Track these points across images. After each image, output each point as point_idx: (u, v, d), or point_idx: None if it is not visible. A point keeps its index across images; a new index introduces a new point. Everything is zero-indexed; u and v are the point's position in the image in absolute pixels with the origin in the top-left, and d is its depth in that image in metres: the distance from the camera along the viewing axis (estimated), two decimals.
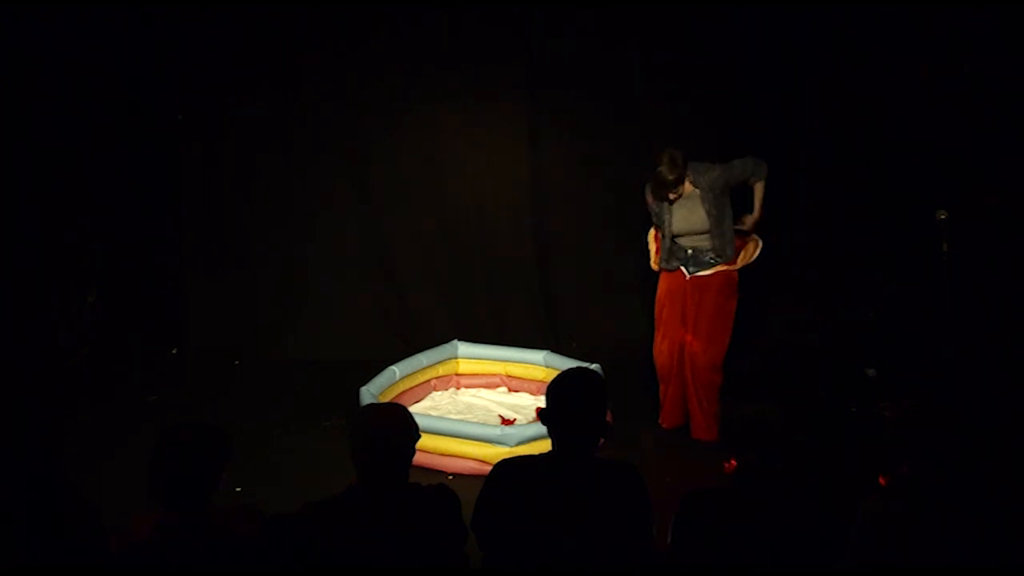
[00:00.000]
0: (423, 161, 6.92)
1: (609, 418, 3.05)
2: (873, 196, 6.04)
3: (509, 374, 6.12)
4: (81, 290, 6.76)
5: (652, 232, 5.56)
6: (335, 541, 2.78)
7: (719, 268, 5.34)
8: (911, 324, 5.67)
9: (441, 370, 6.08)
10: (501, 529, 2.94)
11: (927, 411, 2.83)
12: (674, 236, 5.37)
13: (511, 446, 4.85)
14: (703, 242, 5.33)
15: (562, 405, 2.96)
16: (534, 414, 5.45)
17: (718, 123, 6.69)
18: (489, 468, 3.09)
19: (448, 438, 4.97)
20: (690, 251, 5.38)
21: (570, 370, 3.13)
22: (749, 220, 5.41)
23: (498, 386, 6.14)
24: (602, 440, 3.09)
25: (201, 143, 6.96)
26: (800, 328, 6.43)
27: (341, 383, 5.92)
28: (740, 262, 5.39)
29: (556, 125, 6.87)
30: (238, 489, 4.61)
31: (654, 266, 5.54)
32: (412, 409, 4.24)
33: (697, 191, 5.25)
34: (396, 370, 5.72)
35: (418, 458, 3.22)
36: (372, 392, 5.39)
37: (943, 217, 4.77)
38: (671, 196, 5.26)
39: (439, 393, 6.07)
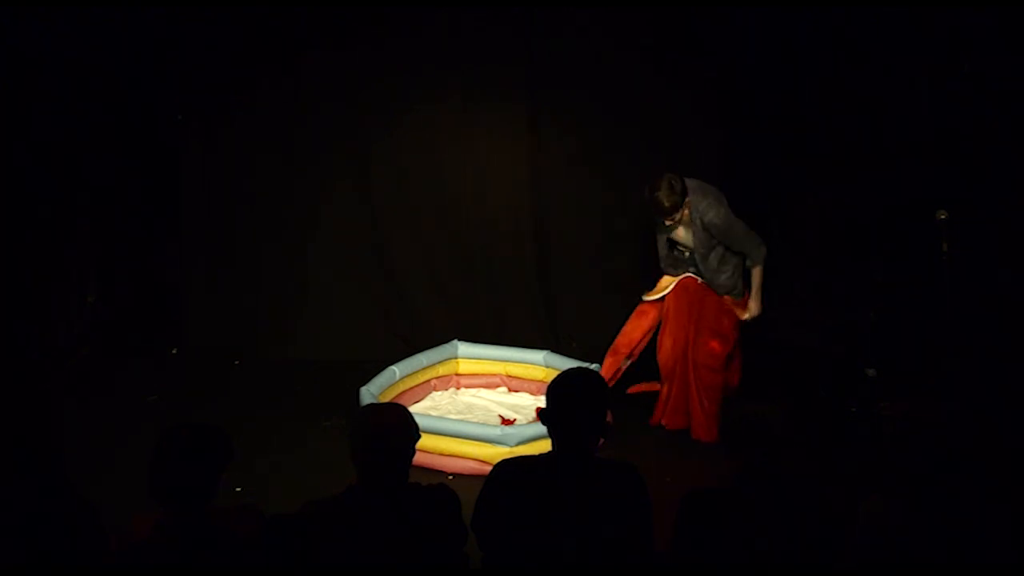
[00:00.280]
0: (423, 161, 6.91)
1: (609, 418, 3.05)
2: (873, 196, 6.05)
3: (509, 374, 6.11)
4: (81, 290, 6.75)
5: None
6: (335, 541, 2.78)
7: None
8: (911, 324, 5.68)
9: (441, 370, 6.08)
10: (501, 529, 2.94)
11: (927, 411, 2.83)
12: (675, 243, 5.40)
13: (511, 446, 4.84)
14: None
15: (562, 405, 2.96)
16: (534, 414, 5.45)
17: (718, 123, 6.70)
18: (489, 468, 3.09)
19: (448, 438, 4.97)
20: (688, 254, 5.40)
21: (570, 370, 3.13)
22: (746, 315, 5.44)
23: (498, 386, 6.13)
24: (602, 440, 3.09)
25: (201, 143, 6.94)
26: (800, 328, 6.43)
27: (341, 383, 5.92)
28: (731, 304, 5.41)
29: (556, 125, 6.86)
30: (238, 489, 4.61)
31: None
32: (412, 409, 4.23)
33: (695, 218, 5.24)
34: (396, 370, 5.72)
35: (418, 458, 3.21)
36: (372, 392, 5.39)
37: (943, 217, 4.77)
38: (667, 222, 5.26)
39: (439, 393, 6.06)
